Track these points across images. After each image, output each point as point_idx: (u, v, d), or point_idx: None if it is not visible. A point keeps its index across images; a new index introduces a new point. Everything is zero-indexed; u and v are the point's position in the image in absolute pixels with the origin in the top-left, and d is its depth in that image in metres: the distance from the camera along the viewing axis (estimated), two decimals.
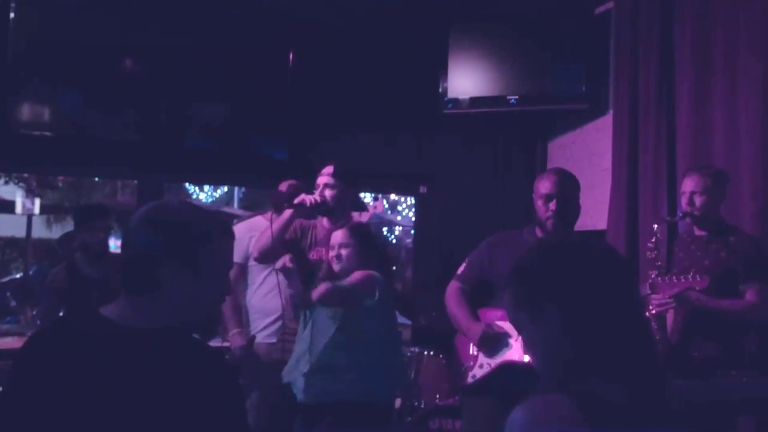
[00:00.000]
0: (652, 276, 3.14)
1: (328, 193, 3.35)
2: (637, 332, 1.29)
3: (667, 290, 3.05)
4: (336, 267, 3.09)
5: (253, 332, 3.87)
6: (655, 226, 3.36)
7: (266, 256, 3.39)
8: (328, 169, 3.41)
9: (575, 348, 1.24)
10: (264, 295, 3.85)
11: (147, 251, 1.45)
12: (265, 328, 3.83)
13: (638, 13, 4.47)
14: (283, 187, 3.90)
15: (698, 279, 3.01)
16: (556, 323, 1.25)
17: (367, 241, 3.13)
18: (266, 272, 3.81)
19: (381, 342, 3.06)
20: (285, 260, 3.67)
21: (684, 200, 3.28)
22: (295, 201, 3.28)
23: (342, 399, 2.97)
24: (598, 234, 4.46)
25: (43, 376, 1.40)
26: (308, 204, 3.26)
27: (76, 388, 1.37)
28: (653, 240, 3.28)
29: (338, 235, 3.11)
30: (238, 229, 3.81)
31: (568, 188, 3.03)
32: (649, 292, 3.10)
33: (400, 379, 3.38)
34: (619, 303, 1.28)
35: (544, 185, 3.02)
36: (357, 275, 3.00)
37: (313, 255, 3.40)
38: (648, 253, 3.27)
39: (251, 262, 3.82)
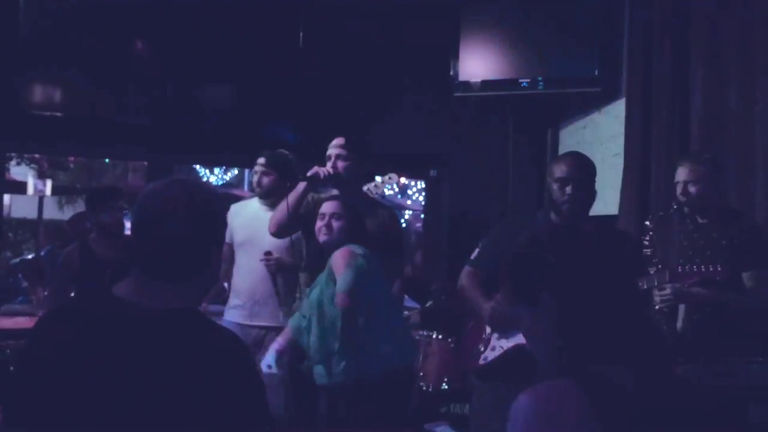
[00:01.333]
0: (651, 272, 3.12)
1: (340, 164, 3.32)
2: (636, 315, 1.27)
3: (686, 279, 3.02)
4: (322, 237, 3.01)
5: (226, 308, 3.94)
6: (648, 222, 3.33)
7: (283, 230, 3.37)
8: (339, 140, 3.38)
9: (573, 333, 1.24)
10: (242, 275, 3.87)
11: (202, 240, 1.46)
12: (235, 307, 3.87)
13: None
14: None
15: (718, 269, 2.97)
16: (552, 310, 1.24)
17: (359, 215, 3.05)
18: (249, 254, 3.83)
19: (384, 316, 3.00)
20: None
21: (678, 190, 3.25)
22: (309, 173, 3.27)
23: (360, 377, 2.93)
24: (609, 219, 4.44)
25: (57, 357, 1.39)
26: (321, 176, 3.25)
27: (92, 369, 1.36)
28: (647, 237, 3.25)
29: (330, 205, 3.05)
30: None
31: (585, 172, 2.99)
32: (668, 280, 3.07)
33: (412, 345, 3.33)
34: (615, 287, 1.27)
35: (560, 168, 2.97)
36: (339, 261, 2.89)
37: None
38: (645, 250, 3.24)
39: (236, 244, 3.88)
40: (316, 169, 3.28)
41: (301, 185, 3.28)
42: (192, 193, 1.47)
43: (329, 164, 3.33)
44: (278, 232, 3.37)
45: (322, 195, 3.46)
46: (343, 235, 2.99)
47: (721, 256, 3.09)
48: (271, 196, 3.78)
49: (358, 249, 2.95)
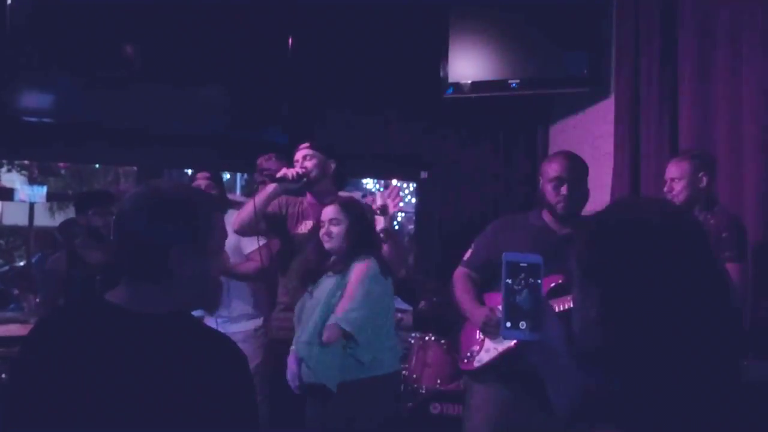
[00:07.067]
0: None
1: (308, 163, 3.41)
2: (695, 346, 1.04)
3: None
4: (327, 245, 3.05)
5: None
6: None
7: (246, 229, 3.43)
8: (304, 144, 3.49)
9: (609, 343, 1.08)
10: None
11: (156, 239, 1.43)
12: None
13: None
14: (263, 160, 4.08)
15: None
16: (596, 310, 1.07)
17: (360, 217, 3.07)
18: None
19: (380, 316, 3.04)
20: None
21: (665, 188, 3.27)
22: (278, 175, 3.36)
23: (347, 377, 2.94)
24: None
25: (50, 365, 1.38)
26: (290, 177, 3.32)
27: (85, 376, 1.35)
28: None
29: (329, 211, 3.07)
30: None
31: (577, 171, 3.00)
32: None
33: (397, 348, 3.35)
34: (684, 307, 1.04)
35: (553, 168, 2.98)
36: (353, 284, 2.92)
37: (300, 228, 3.46)
38: None
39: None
40: (284, 170, 3.35)
41: (270, 186, 3.37)
42: (157, 193, 1.47)
43: (297, 165, 3.40)
44: (241, 229, 3.43)
45: (299, 197, 3.54)
46: (344, 239, 3.02)
47: None
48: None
49: (374, 266, 2.96)
